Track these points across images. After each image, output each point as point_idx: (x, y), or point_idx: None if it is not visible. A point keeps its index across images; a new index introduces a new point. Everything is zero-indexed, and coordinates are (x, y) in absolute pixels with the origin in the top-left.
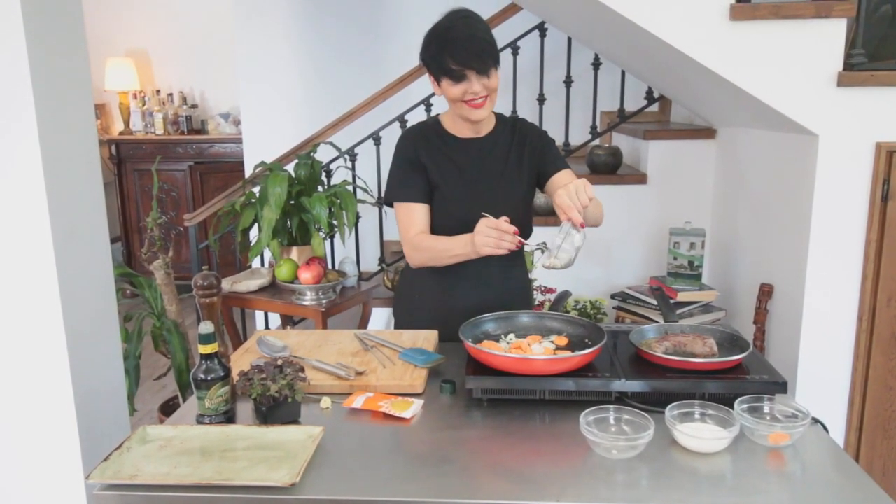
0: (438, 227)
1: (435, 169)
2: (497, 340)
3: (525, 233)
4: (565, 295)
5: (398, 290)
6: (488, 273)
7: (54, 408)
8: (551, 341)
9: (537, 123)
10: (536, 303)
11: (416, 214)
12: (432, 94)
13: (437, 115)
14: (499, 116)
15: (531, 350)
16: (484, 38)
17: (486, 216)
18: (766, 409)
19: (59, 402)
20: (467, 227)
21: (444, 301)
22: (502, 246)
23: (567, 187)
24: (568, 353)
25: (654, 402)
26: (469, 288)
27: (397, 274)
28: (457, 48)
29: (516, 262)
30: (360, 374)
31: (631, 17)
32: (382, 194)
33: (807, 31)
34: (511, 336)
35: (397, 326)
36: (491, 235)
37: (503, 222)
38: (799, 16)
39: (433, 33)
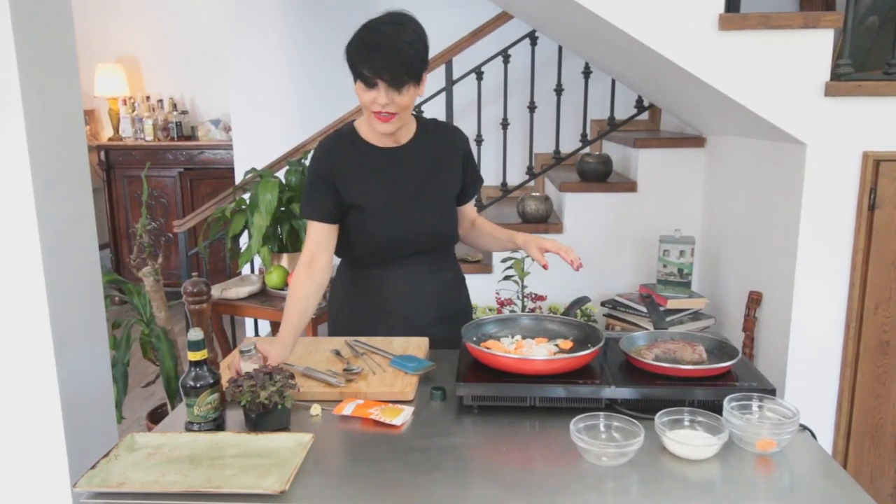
0: (362, 244)
1: (352, 186)
2: (499, 340)
3: (452, 238)
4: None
5: (331, 293)
6: (418, 276)
7: (41, 415)
8: (556, 344)
9: (528, 131)
10: (527, 309)
11: (313, 234)
12: (424, 101)
13: (353, 121)
14: (420, 121)
15: (533, 350)
16: (408, 51)
17: None
18: (755, 408)
19: (46, 410)
20: (390, 242)
21: (375, 305)
22: None
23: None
24: (567, 355)
25: (643, 409)
26: (399, 293)
27: None
28: (374, 54)
29: (448, 264)
30: (351, 375)
31: (621, 27)
32: None
33: (795, 42)
34: (517, 337)
35: (331, 331)
36: None
37: None
38: (787, 26)
39: (360, 30)
